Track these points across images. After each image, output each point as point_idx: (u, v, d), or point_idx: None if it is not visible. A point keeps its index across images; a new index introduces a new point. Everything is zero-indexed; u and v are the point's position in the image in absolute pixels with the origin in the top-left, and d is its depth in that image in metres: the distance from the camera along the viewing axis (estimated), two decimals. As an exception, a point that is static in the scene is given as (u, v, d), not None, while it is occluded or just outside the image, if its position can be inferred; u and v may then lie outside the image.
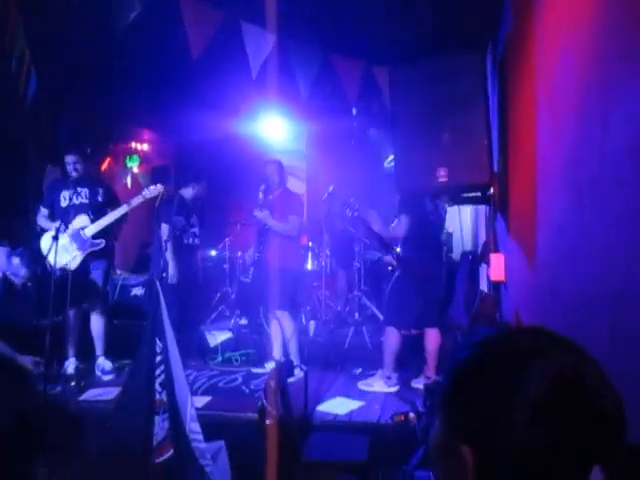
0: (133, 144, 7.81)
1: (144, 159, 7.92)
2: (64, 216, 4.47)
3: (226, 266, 6.39)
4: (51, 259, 4.24)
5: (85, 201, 4.56)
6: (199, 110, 6.02)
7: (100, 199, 4.60)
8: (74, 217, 4.50)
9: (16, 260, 4.19)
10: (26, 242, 4.64)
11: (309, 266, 5.90)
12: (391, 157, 5.05)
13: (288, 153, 7.00)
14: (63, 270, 4.26)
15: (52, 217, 4.59)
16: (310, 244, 5.87)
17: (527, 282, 2.77)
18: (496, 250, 3.76)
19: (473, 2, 3.51)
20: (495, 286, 4.02)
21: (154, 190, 4.51)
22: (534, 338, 0.72)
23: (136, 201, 4.51)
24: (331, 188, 5.06)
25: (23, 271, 4.21)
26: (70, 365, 4.53)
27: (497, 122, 3.66)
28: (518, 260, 3.01)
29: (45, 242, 4.46)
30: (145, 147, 7.94)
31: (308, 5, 4.02)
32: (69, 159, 4.51)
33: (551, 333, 0.72)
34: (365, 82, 4.31)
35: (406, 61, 3.57)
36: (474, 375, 0.70)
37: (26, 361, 3.99)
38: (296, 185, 6.86)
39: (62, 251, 4.18)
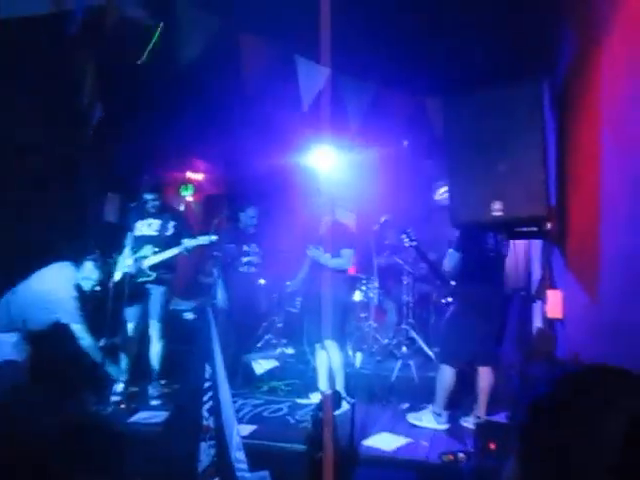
0: (188, 173, 8.04)
1: (198, 188, 8.13)
2: (135, 245, 4.73)
3: (275, 295, 6.41)
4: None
5: (154, 233, 4.76)
6: (251, 140, 6.17)
7: (168, 233, 4.77)
8: (142, 247, 4.70)
9: (89, 264, 4.33)
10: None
11: (357, 297, 5.86)
12: (443, 189, 5.01)
13: (338, 183, 7.04)
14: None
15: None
16: (359, 275, 5.84)
17: (588, 318, 2.66)
18: (552, 286, 3.64)
19: (530, 33, 3.49)
20: (551, 323, 3.88)
21: (206, 239, 4.69)
22: (615, 377, 0.71)
23: (190, 243, 4.67)
24: (383, 219, 5.06)
25: (96, 274, 4.34)
26: (121, 386, 4.62)
27: (554, 154, 3.58)
28: (578, 296, 2.90)
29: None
30: (199, 177, 8.16)
31: (361, 38, 4.09)
32: (148, 197, 4.73)
33: (629, 372, 0.71)
34: (417, 113, 4.32)
35: (460, 92, 3.56)
36: (557, 412, 0.69)
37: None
38: (346, 216, 6.88)
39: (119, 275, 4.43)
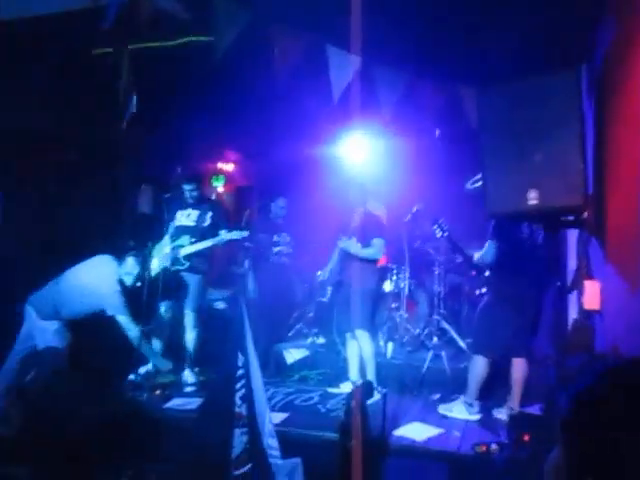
0: (219, 164, 8.10)
1: (229, 179, 8.20)
2: (174, 234, 4.85)
3: (306, 285, 6.44)
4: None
5: (192, 224, 4.86)
6: (282, 130, 6.18)
7: (206, 224, 4.86)
8: (179, 236, 4.80)
9: (131, 260, 4.42)
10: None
11: (388, 287, 5.84)
12: (475, 179, 4.95)
13: (368, 174, 7.01)
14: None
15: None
16: (390, 265, 5.82)
17: (627, 310, 2.60)
18: (590, 277, 3.56)
19: (568, 18, 3.40)
20: (587, 314, 3.80)
21: (239, 234, 4.82)
22: None
23: (226, 236, 4.78)
24: (415, 209, 5.02)
25: (137, 269, 4.42)
26: (144, 369, 4.75)
27: (592, 142, 3.49)
28: (617, 287, 2.84)
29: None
30: (230, 167, 8.22)
31: (395, 27, 4.04)
32: (187, 187, 4.84)
33: None
34: (450, 102, 4.27)
35: (495, 81, 3.50)
36: (598, 406, 0.68)
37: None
38: (377, 207, 6.85)
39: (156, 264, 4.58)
